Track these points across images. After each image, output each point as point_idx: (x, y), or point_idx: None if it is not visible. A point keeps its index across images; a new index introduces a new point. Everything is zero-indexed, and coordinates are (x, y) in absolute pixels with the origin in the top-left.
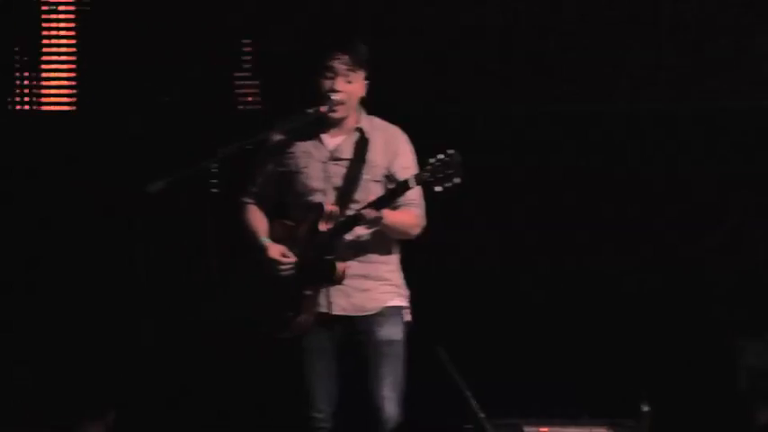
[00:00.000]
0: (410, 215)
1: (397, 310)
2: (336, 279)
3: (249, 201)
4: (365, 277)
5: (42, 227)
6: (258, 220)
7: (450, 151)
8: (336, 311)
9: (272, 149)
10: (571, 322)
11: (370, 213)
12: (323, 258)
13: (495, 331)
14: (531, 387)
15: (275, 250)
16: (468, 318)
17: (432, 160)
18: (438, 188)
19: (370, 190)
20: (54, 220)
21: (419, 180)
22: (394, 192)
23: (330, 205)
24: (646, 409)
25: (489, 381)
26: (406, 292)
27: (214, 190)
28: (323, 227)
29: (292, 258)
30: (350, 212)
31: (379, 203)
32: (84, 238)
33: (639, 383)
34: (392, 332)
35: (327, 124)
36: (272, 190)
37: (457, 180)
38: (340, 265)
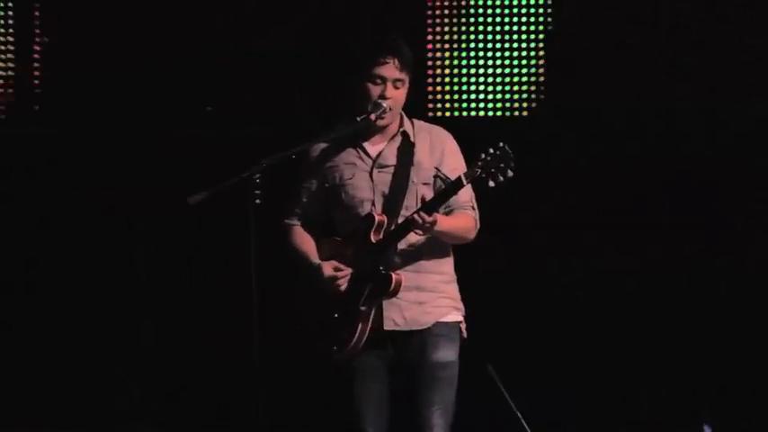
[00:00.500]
0: (465, 218)
1: (453, 327)
2: (392, 292)
3: (293, 222)
4: (419, 289)
5: (42, 227)
6: (306, 242)
7: (500, 144)
8: (388, 326)
9: (313, 164)
10: (617, 333)
11: (423, 217)
12: (376, 271)
13: (534, 340)
14: (580, 400)
15: (328, 267)
16: (505, 328)
17: (482, 155)
18: (491, 183)
19: (420, 194)
20: (54, 220)
21: (470, 177)
22: (446, 192)
23: (379, 214)
24: (708, 430)
25: (537, 395)
26: (461, 305)
27: (257, 201)
28: (374, 238)
29: (347, 270)
30: (401, 220)
31: (430, 206)
32: (84, 238)
33: (698, 398)
34: (447, 354)
35: (369, 132)
36: (316, 208)
37: (510, 174)
38: (395, 277)
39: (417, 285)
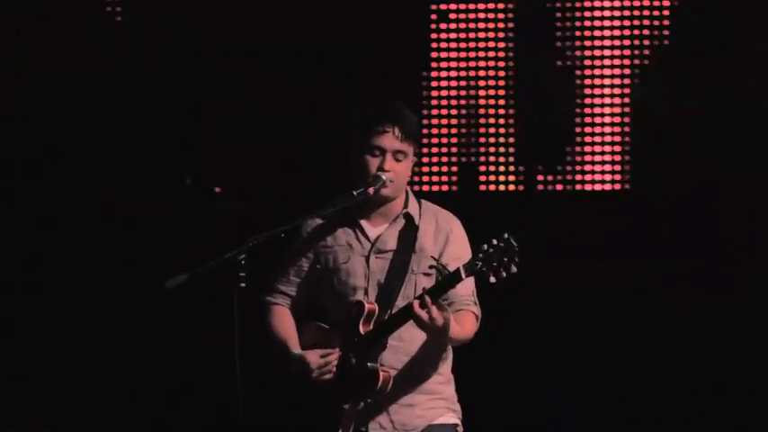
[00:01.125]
0: (468, 321)
1: (448, 428)
2: (378, 391)
3: (276, 300)
4: (410, 389)
5: (42, 227)
6: (288, 327)
7: (505, 236)
8: (374, 430)
9: (306, 241)
10: (617, 332)
11: (426, 302)
12: (363, 366)
13: (534, 338)
14: (580, 400)
15: (312, 356)
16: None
17: (484, 247)
18: (492, 279)
19: (419, 285)
20: (54, 220)
21: (470, 270)
22: (442, 285)
23: (370, 303)
24: None
25: (538, 395)
26: (458, 407)
27: (242, 284)
28: (363, 328)
29: (334, 355)
30: (394, 312)
31: (422, 299)
32: (84, 238)
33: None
34: None
35: (368, 208)
36: (304, 289)
37: (514, 269)
38: (383, 374)
39: (409, 385)
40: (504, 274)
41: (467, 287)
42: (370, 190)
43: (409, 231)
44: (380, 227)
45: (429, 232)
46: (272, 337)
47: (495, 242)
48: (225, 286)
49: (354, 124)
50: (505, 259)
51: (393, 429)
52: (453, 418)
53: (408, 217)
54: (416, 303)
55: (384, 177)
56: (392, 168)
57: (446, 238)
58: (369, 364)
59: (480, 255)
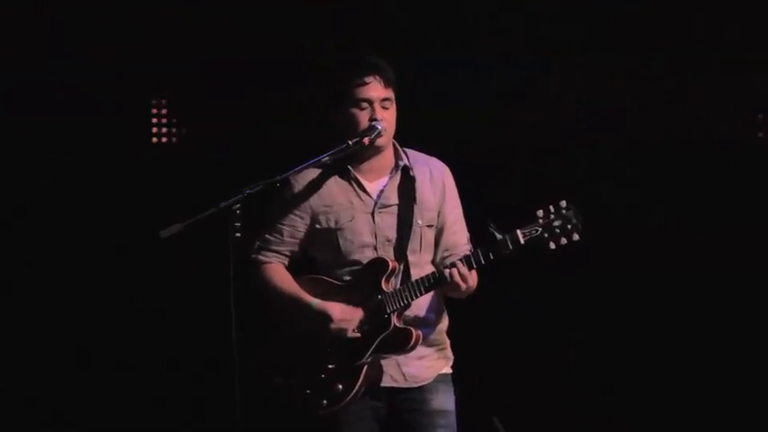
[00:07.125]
0: (474, 273)
1: (448, 377)
2: (409, 349)
3: (269, 260)
4: (422, 343)
5: (42, 227)
6: (292, 282)
7: (563, 203)
8: (387, 383)
9: (300, 199)
10: (617, 332)
11: (463, 273)
12: (388, 323)
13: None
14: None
15: (336, 309)
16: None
17: (540, 213)
18: (552, 245)
19: (425, 238)
20: (53, 220)
21: (529, 236)
22: (496, 248)
23: (393, 260)
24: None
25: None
26: (451, 354)
27: (237, 234)
28: (386, 286)
29: (358, 314)
30: (412, 267)
31: (472, 262)
32: (84, 237)
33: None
34: (445, 402)
35: (362, 163)
36: (298, 248)
37: (576, 237)
38: (415, 334)
39: (422, 339)
40: (565, 241)
41: (463, 235)
42: (366, 140)
43: (408, 184)
44: (378, 181)
45: (426, 183)
46: (277, 295)
47: (552, 208)
48: (220, 236)
49: (332, 83)
50: (569, 226)
51: (405, 381)
52: (449, 367)
53: (405, 170)
54: (455, 273)
55: (379, 127)
56: (383, 117)
57: (443, 189)
58: (399, 324)
59: (540, 220)
